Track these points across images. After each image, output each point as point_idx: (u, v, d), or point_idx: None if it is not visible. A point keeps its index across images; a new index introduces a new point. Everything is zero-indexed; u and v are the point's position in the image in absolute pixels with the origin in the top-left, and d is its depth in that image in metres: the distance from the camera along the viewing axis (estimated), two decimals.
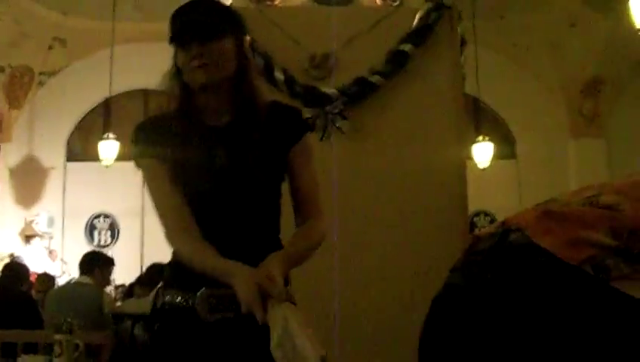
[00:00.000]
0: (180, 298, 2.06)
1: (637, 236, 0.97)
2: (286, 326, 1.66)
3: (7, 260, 10.41)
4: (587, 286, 0.92)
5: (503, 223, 1.11)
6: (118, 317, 5.23)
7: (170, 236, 2.03)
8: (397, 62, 3.78)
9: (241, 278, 1.83)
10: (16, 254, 11.38)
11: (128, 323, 5.04)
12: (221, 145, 2.06)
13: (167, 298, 2.09)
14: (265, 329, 1.95)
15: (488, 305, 0.96)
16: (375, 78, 3.76)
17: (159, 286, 2.19)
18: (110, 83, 11.48)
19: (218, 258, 1.94)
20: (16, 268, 5.87)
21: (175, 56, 2.13)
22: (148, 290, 5.98)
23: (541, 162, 12.24)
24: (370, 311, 3.66)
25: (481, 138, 11.16)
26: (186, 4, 2.12)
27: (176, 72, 2.13)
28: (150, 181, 2.11)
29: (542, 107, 12.39)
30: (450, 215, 3.69)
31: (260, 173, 2.09)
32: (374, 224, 3.73)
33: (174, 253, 2.13)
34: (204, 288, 1.99)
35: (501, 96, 12.44)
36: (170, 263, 2.17)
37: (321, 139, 3.74)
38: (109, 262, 5.92)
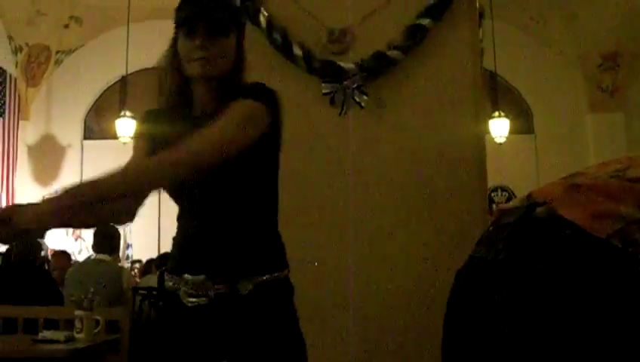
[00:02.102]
0: (170, 283, 2.15)
1: None
2: None
3: None
4: (615, 259, 0.91)
5: (529, 196, 1.10)
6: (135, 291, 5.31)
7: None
8: (415, 36, 3.74)
9: None
10: None
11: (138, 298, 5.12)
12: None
13: (165, 281, 2.18)
14: (238, 317, 2.07)
15: (514, 279, 0.95)
16: (393, 53, 3.73)
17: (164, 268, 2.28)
18: (126, 61, 11.49)
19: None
20: (25, 243, 5.89)
21: (175, 41, 2.15)
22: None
23: (559, 137, 12.17)
24: (387, 283, 3.65)
25: (497, 114, 11.12)
26: None
27: (174, 55, 2.15)
28: None
29: (560, 81, 12.30)
30: (469, 189, 3.67)
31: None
32: (392, 198, 3.71)
33: (173, 238, 2.23)
34: (185, 274, 2.09)
35: (518, 71, 12.35)
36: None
37: (340, 114, 3.73)
38: (119, 235, 6.00)
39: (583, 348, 0.87)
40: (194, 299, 2.07)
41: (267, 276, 2.10)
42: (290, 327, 2.14)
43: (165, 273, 2.20)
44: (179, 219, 2.23)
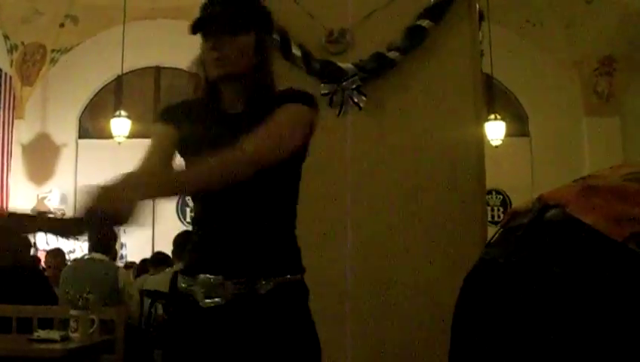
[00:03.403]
0: (184, 284, 2.13)
1: None
2: None
3: None
4: (632, 262, 0.89)
5: (540, 199, 1.09)
6: (142, 293, 5.26)
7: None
8: (415, 37, 3.74)
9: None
10: None
11: (148, 300, 5.08)
12: (229, 130, 2.06)
13: (178, 283, 2.16)
14: (256, 317, 2.04)
15: (529, 281, 0.94)
16: (393, 54, 3.72)
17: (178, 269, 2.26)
18: (122, 60, 11.47)
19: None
20: (15, 242, 5.84)
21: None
22: (162, 269, 6.07)
23: (554, 140, 12.18)
24: (385, 283, 3.65)
25: (493, 117, 11.11)
26: None
27: (200, 57, 2.18)
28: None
29: (556, 85, 12.31)
30: (467, 192, 3.67)
31: None
32: (390, 199, 3.71)
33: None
34: (200, 274, 2.07)
35: (514, 74, 12.36)
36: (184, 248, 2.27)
37: (339, 115, 3.72)
38: (116, 236, 5.99)
39: (598, 353, 0.86)
40: (209, 300, 2.04)
41: (285, 277, 2.09)
42: (307, 330, 2.11)
43: (179, 274, 2.18)
44: (196, 220, 2.22)
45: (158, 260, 6.72)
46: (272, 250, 2.10)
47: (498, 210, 12.36)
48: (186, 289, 2.11)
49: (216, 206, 2.13)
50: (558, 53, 12.17)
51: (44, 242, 11.35)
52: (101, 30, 12.58)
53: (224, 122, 2.11)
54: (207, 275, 2.05)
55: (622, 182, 0.99)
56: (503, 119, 11.33)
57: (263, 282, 2.04)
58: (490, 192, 12.10)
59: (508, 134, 11.45)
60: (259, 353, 2.04)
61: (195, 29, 2.09)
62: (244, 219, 2.10)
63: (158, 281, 5.38)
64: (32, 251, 7.09)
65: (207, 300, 2.04)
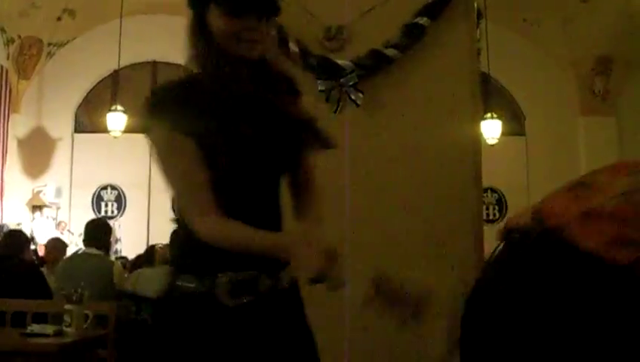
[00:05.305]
0: (195, 283, 1.92)
1: None
2: None
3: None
4: (637, 288, 0.88)
5: (535, 215, 1.06)
6: (122, 293, 5.25)
7: (194, 218, 1.90)
8: (413, 35, 3.73)
9: (304, 245, 1.84)
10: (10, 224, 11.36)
11: (131, 302, 5.07)
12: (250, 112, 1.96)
13: (181, 283, 1.95)
14: (286, 311, 2.00)
15: (526, 304, 0.93)
16: (390, 51, 3.71)
17: (169, 271, 2.06)
18: (119, 55, 11.47)
19: (261, 232, 1.90)
20: (13, 236, 5.85)
21: (208, 19, 1.98)
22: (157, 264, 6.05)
23: (550, 140, 12.20)
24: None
25: (489, 115, 11.11)
26: None
27: (208, 36, 1.99)
28: (169, 156, 1.95)
29: (552, 84, 12.33)
30: (464, 189, 3.67)
31: (286, 143, 2.08)
32: (387, 197, 3.70)
33: (186, 235, 1.98)
34: (222, 272, 1.90)
35: (511, 72, 12.38)
36: (179, 246, 2.10)
37: (335, 111, 3.71)
38: (110, 230, 5.99)
39: None
40: (237, 299, 1.90)
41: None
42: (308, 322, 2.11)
43: (185, 276, 1.96)
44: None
45: (151, 256, 6.70)
46: None
47: (494, 208, 12.40)
48: (197, 290, 1.92)
49: (245, 194, 2.00)
50: (555, 52, 12.19)
51: (42, 236, 11.35)
52: (98, 24, 12.57)
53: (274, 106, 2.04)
54: (231, 272, 1.91)
55: (623, 201, 0.97)
56: (499, 118, 11.33)
57: (285, 274, 1.99)
58: (485, 190, 12.11)
59: (504, 133, 11.46)
60: (286, 345, 1.99)
61: (238, 6, 1.93)
62: (270, 207, 2.05)
63: (153, 276, 5.37)
64: (31, 246, 7.13)
65: (236, 299, 1.90)
